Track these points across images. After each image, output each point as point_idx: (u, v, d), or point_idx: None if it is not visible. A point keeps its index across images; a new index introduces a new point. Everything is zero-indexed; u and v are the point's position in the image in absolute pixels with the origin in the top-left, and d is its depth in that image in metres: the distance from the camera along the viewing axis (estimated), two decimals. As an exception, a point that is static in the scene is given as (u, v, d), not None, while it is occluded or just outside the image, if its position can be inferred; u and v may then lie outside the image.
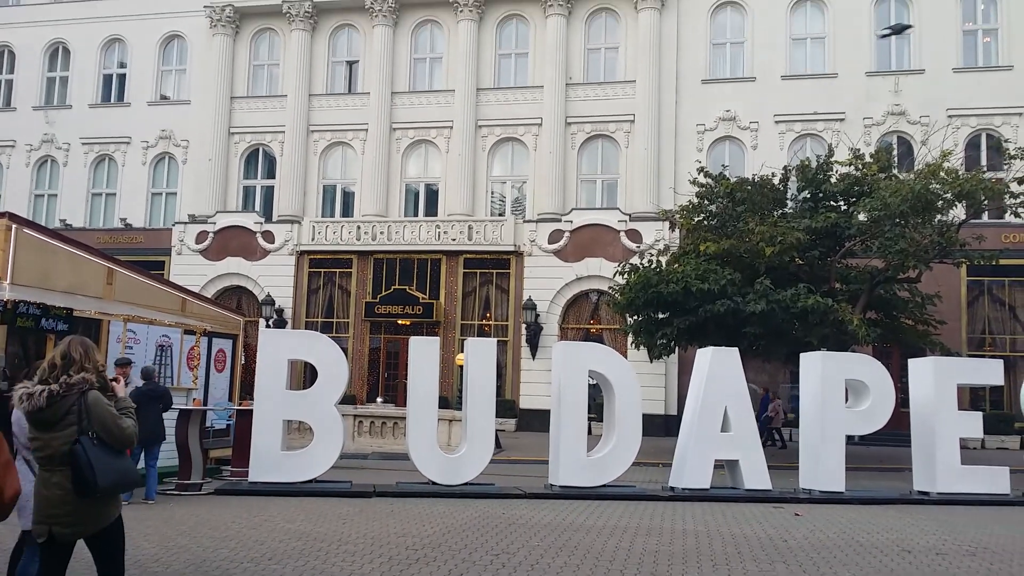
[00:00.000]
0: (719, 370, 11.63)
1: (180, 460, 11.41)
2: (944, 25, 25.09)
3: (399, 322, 26.51)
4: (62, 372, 4.26)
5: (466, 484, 10.92)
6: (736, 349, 12.01)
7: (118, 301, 11.98)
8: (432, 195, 28.12)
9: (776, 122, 25.70)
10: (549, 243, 25.81)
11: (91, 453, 4.15)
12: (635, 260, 19.96)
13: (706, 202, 19.42)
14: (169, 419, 10.93)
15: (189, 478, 11.26)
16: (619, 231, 25.30)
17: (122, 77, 31.06)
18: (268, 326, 25.83)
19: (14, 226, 10.24)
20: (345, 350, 25.18)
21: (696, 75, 26.55)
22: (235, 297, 27.91)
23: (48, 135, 30.82)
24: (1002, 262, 19.40)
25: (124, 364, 9.87)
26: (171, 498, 10.67)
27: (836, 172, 18.84)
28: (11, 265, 10.04)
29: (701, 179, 19.46)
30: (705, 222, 19.32)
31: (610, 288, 21.53)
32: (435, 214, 27.57)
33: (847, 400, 11.99)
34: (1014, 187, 17.56)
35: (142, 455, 10.16)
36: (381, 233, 26.81)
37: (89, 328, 11.24)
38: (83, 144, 30.51)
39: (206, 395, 13.91)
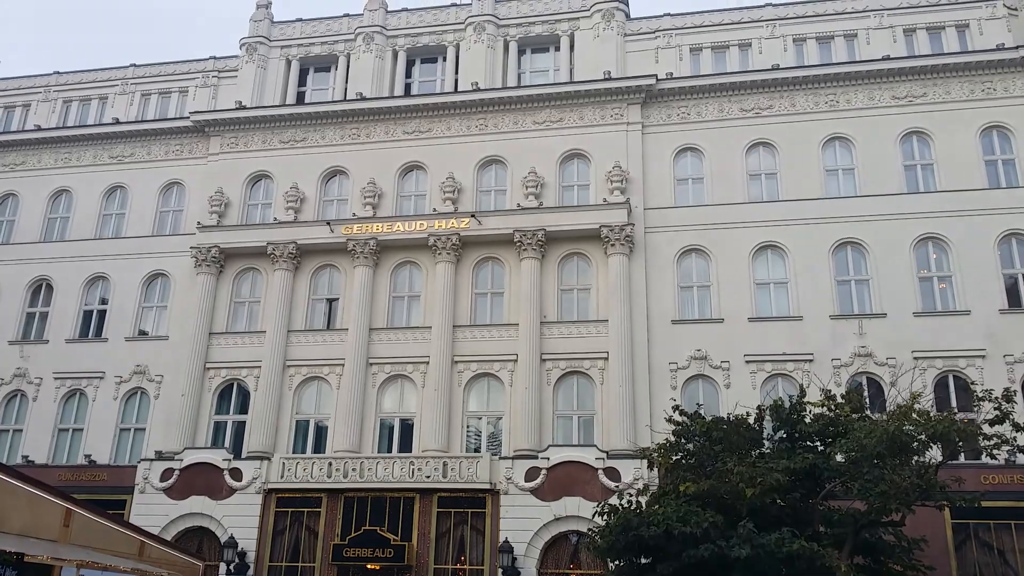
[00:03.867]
0: (708, 622, 11.04)
1: None
2: (899, 273, 26.30)
3: (368, 566, 25.18)
4: None
5: None
6: (724, 599, 11.49)
7: (74, 544, 11.32)
8: (407, 430, 27.78)
9: (747, 362, 26.18)
10: (526, 480, 25.23)
11: None
12: (614, 500, 19.54)
13: (683, 440, 19.34)
14: None
15: None
16: (597, 469, 24.88)
17: (102, 313, 31.37)
18: (229, 571, 24.51)
19: (-25, 465, 9.91)
20: (309, 597, 23.78)
21: (666, 316, 27.34)
22: (196, 539, 26.56)
23: (21, 369, 30.62)
24: (985, 504, 19.13)
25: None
26: None
27: (810, 412, 18.99)
28: (-34, 507, 9.58)
29: (677, 417, 19.55)
30: (683, 461, 19.15)
31: (589, 530, 20.85)
32: (409, 449, 27.10)
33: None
34: (986, 428, 17.72)
35: None
36: (353, 470, 26.14)
37: (40, 574, 10.57)
38: (55, 379, 30.26)
39: (157, 650, 12.86)
